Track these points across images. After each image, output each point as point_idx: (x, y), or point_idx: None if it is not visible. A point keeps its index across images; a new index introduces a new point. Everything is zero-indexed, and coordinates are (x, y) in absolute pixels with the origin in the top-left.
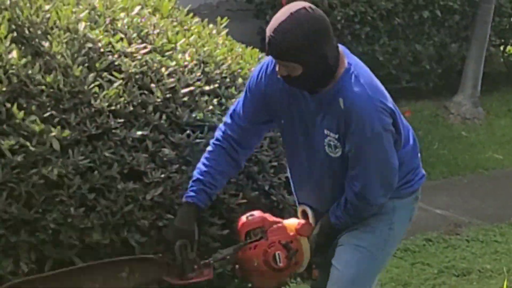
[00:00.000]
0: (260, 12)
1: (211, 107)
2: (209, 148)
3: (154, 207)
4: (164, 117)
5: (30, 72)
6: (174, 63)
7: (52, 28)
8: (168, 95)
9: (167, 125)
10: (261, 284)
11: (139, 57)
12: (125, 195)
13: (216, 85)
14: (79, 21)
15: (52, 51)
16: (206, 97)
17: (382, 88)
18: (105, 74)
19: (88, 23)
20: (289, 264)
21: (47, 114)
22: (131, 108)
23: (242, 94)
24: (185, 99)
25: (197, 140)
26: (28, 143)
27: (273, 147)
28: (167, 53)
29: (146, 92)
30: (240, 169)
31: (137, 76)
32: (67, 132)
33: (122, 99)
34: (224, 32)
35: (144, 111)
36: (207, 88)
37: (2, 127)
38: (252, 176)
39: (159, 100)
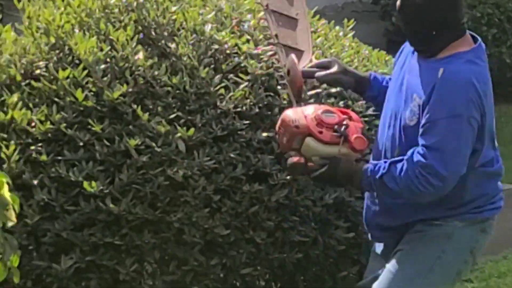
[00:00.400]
0: (386, 13)
1: None
2: None
3: (279, 209)
4: None
5: (156, 73)
6: None
7: (178, 30)
8: None
9: None
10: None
11: (265, 58)
12: (250, 196)
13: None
14: (206, 23)
15: (178, 53)
16: (332, 99)
17: (490, 88)
18: (231, 75)
19: (215, 25)
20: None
21: (173, 115)
22: (257, 110)
23: None
24: (311, 101)
25: None
26: (153, 144)
27: None
28: None
29: (272, 94)
30: None
31: (263, 78)
32: (192, 132)
33: (248, 100)
34: (350, 34)
35: (270, 112)
36: (333, 90)
37: (128, 128)
38: None
39: (285, 102)
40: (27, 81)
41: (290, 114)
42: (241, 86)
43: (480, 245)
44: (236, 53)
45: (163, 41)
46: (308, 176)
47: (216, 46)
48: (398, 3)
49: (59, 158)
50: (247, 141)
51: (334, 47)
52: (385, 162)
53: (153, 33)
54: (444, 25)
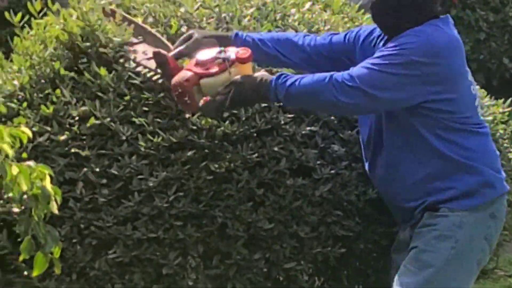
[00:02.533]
0: None
1: None
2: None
3: (323, 203)
4: None
5: None
6: None
7: (221, 23)
8: None
9: (336, 121)
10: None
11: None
12: (293, 190)
13: None
14: (245, 17)
15: None
16: None
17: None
18: (275, 69)
19: (255, 18)
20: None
21: None
22: None
23: None
24: None
25: None
26: (196, 138)
27: None
28: None
29: None
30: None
31: None
32: (235, 126)
33: None
34: None
35: None
36: None
37: (172, 122)
38: None
39: None
40: (71, 75)
41: (176, 78)
42: None
43: (493, 231)
44: None
45: None
46: (223, 107)
47: None
48: None
49: (103, 152)
50: (291, 135)
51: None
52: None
53: (196, 26)
54: (412, 7)
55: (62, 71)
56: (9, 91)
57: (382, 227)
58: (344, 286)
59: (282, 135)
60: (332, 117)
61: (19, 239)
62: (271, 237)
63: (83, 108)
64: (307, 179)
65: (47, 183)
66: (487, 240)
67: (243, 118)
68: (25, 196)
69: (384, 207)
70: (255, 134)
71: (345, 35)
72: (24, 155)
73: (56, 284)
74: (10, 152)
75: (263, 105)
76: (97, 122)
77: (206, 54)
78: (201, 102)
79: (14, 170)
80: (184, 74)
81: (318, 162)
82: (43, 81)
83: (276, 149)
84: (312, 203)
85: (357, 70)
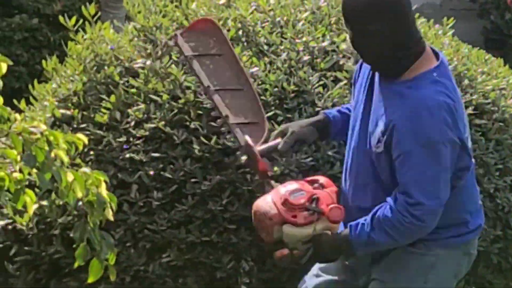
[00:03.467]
0: (484, 11)
1: None
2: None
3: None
4: None
5: (253, 71)
6: None
7: (275, 26)
8: None
9: None
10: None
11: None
12: None
13: None
14: (299, 21)
15: (276, 50)
16: None
17: (460, 104)
18: (329, 73)
19: (310, 22)
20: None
21: (271, 113)
22: None
23: None
24: None
25: None
26: None
27: (499, 150)
28: None
29: None
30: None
31: None
32: None
33: (346, 99)
34: (450, 33)
35: None
36: None
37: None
38: (477, 178)
39: None
40: (125, 80)
41: (261, 205)
42: (340, 84)
43: (463, 268)
44: (334, 51)
45: (260, 38)
46: (297, 264)
47: (314, 44)
48: (349, 36)
49: (157, 155)
50: (345, 140)
51: (433, 46)
52: (365, 219)
53: (250, 30)
54: (402, 45)
55: (116, 76)
56: (63, 95)
57: None
58: None
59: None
60: None
61: (74, 245)
62: None
63: (137, 112)
64: None
65: (103, 190)
66: (456, 278)
67: None
68: (80, 203)
69: None
70: None
71: None
72: (78, 160)
73: None
74: (66, 159)
75: (317, 109)
76: (152, 126)
77: (299, 195)
78: (277, 255)
79: (69, 177)
80: (270, 208)
81: None
82: (96, 85)
83: (330, 153)
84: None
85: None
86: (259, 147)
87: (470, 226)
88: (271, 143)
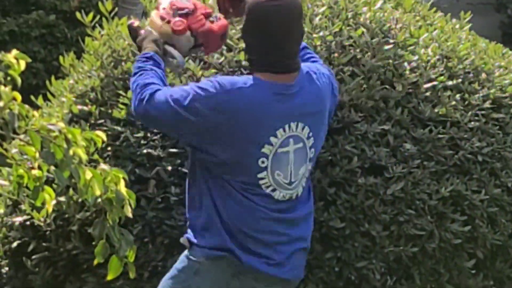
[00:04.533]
0: (501, 6)
1: (453, 102)
2: None
3: (395, 202)
4: (405, 111)
5: None
6: (416, 57)
7: None
8: (410, 90)
9: (409, 120)
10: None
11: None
12: (365, 189)
13: (459, 80)
14: (317, 15)
15: None
16: (448, 92)
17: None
18: (347, 68)
19: (327, 16)
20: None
21: None
22: (373, 103)
23: None
24: (427, 94)
25: (439, 136)
26: None
27: None
28: (409, 48)
29: (387, 86)
30: None
31: (379, 70)
32: None
33: (363, 93)
34: (467, 27)
35: (385, 105)
36: (450, 83)
37: None
38: (495, 172)
39: (401, 94)
40: None
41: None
42: (357, 78)
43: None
44: (352, 45)
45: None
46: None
47: (331, 39)
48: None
49: (174, 151)
50: (363, 134)
51: (450, 40)
52: (151, 64)
53: None
54: (254, 51)
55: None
56: (81, 91)
57: (455, 225)
58: (417, 285)
59: (354, 133)
60: (404, 116)
61: (93, 242)
62: (342, 236)
63: None
64: (379, 178)
65: (122, 187)
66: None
67: None
68: (99, 200)
69: (458, 206)
70: (327, 133)
71: None
72: (96, 156)
73: (128, 283)
74: (84, 157)
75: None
76: None
77: (184, 2)
78: (133, 23)
79: (88, 174)
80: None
81: (390, 160)
82: (114, 81)
83: (348, 147)
84: (384, 202)
85: None
86: None
87: (245, 249)
88: None
